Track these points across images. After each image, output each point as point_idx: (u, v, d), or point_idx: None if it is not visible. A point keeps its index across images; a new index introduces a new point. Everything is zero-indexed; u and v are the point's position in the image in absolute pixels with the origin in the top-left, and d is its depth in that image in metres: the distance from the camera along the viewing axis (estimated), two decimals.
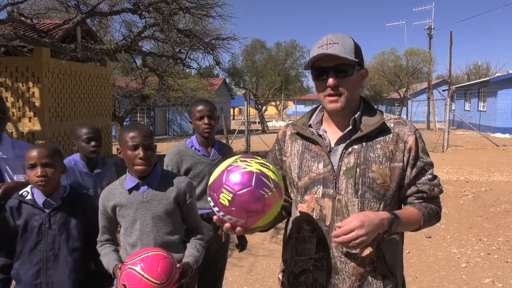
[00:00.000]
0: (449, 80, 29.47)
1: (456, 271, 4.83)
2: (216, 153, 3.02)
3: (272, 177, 1.46)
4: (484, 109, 26.22)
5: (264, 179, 1.44)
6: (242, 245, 3.29)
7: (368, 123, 1.65)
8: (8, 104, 10.02)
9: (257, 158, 1.52)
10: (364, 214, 1.52)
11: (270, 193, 1.43)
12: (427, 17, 39.42)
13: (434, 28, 31.80)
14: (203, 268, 2.75)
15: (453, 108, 24.01)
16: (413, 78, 33.01)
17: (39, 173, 2.13)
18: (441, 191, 1.71)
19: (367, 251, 1.61)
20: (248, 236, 4.70)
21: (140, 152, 2.01)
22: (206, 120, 2.90)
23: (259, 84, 33.89)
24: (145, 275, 1.76)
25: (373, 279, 1.64)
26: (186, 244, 2.20)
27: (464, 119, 20.59)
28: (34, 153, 2.16)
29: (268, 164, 1.51)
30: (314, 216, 1.67)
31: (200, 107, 2.93)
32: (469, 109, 29.27)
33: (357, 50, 1.63)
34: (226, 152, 3.10)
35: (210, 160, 2.97)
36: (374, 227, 1.48)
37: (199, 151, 2.97)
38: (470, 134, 21.91)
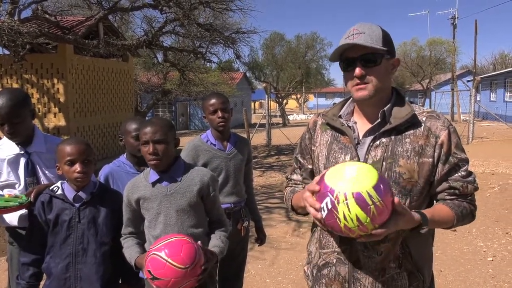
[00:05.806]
0: (474, 70, 28.74)
1: (482, 265, 4.74)
2: (232, 147, 2.97)
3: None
4: (511, 100, 25.55)
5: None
6: (261, 239, 3.29)
7: (398, 115, 1.61)
8: (34, 101, 10.23)
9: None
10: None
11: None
12: (451, 6, 38.62)
13: (458, 17, 30.93)
14: (223, 261, 2.74)
15: (478, 99, 23.43)
16: (437, 69, 32.30)
17: (79, 169, 2.10)
18: (475, 189, 1.64)
19: (390, 246, 1.58)
20: (269, 230, 4.70)
21: (149, 148, 2.03)
22: (219, 114, 2.84)
23: (280, 77, 33.73)
24: (169, 259, 1.78)
25: (398, 276, 1.61)
26: (210, 236, 2.21)
27: (489, 110, 20.11)
28: (73, 149, 2.10)
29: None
30: None
31: (212, 101, 2.87)
32: (495, 99, 28.55)
33: (386, 39, 1.59)
34: (242, 145, 3.05)
35: (227, 154, 2.93)
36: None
37: (214, 145, 2.92)
38: (496, 125, 21.39)
